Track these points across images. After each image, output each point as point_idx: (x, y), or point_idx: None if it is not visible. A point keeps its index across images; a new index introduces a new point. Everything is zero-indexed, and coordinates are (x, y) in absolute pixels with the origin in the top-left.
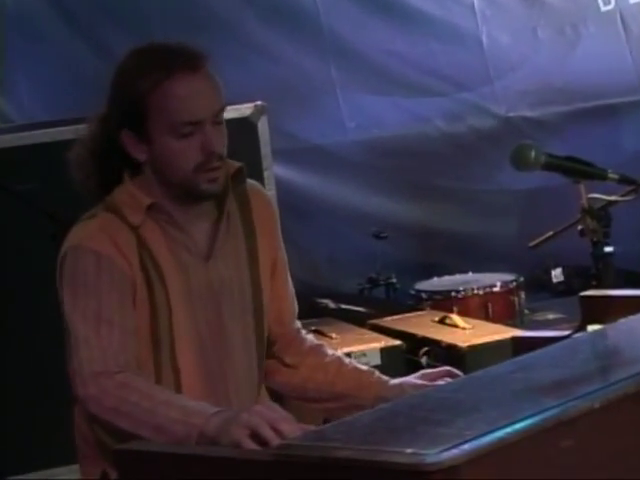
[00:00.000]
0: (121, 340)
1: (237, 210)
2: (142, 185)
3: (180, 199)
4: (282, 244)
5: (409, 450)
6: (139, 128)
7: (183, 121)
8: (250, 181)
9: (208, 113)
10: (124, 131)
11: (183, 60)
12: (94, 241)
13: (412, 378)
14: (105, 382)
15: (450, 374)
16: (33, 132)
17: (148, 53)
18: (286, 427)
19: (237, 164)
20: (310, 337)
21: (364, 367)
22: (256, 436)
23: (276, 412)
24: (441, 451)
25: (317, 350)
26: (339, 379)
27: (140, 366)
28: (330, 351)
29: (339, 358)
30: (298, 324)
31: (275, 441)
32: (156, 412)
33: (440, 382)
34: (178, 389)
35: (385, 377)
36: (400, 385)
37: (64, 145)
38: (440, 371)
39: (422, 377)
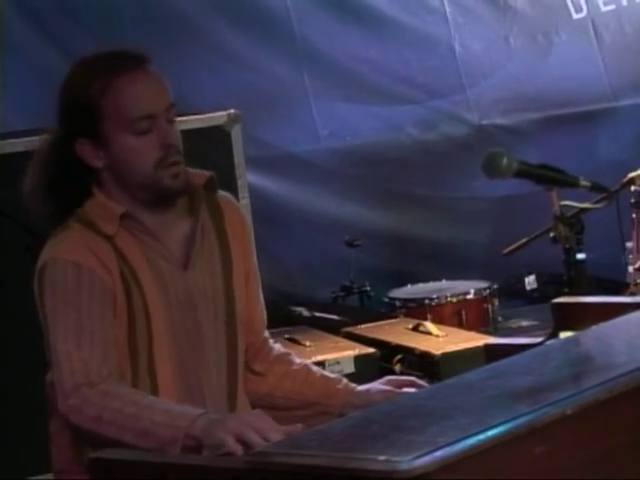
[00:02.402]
0: (102, 351)
1: (210, 220)
2: (109, 195)
3: (147, 204)
4: (254, 255)
5: (382, 457)
6: (94, 133)
7: (138, 116)
8: (222, 192)
9: (161, 107)
10: (79, 141)
11: (128, 60)
12: (73, 253)
13: (378, 384)
14: (87, 392)
15: (414, 384)
16: (7, 141)
17: (91, 60)
18: (273, 436)
19: (208, 173)
20: (278, 346)
21: (331, 375)
22: (242, 441)
23: (264, 421)
24: (414, 458)
25: (284, 358)
26: (307, 387)
27: (121, 376)
28: (297, 359)
29: (306, 366)
30: (266, 333)
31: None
32: (140, 417)
33: (406, 390)
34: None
35: (352, 384)
36: (367, 391)
37: None
38: (405, 380)
39: (388, 383)
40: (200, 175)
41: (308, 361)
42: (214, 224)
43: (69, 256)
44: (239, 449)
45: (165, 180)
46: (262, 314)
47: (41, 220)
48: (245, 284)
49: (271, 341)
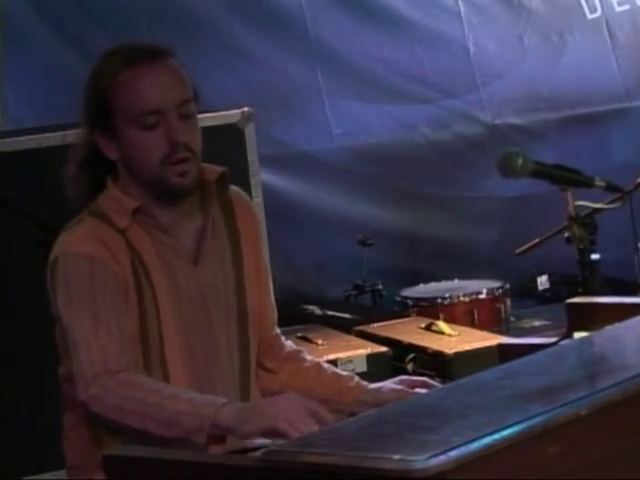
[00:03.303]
0: (119, 341)
1: (221, 215)
2: (125, 189)
3: (160, 199)
4: (266, 251)
5: (396, 456)
6: (108, 125)
7: (145, 111)
8: (234, 188)
9: (171, 104)
10: (96, 132)
11: (144, 53)
12: (86, 246)
13: (390, 383)
14: (107, 381)
15: (426, 385)
16: (19, 138)
17: (113, 52)
18: (303, 426)
19: (220, 169)
20: (289, 343)
21: (343, 372)
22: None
23: (299, 406)
24: (429, 457)
25: (296, 356)
26: (318, 384)
27: (137, 367)
28: (309, 357)
29: (318, 364)
30: (278, 330)
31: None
32: (163, 406)
33: (418, 390)
34: None
35: (364, 382)
36: (379, 390)
37: (51, 151)
38: (417, 380)
39: (400, 383)
40: (213, 170)
41: (320, 359)
42: (225, 220)
43: (82, 249)
44: (294, 433)
45: (171, 178)
46: (273, 311)
47: (76, 205)
48: (256, 281)
49: (282, 338)
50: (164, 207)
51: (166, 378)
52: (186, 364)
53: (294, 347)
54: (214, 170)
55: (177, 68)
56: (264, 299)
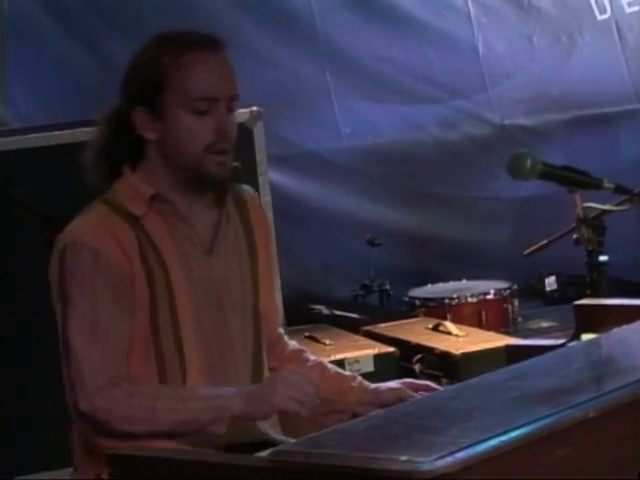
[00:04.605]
0: (118, 349)
1: (235, 210)
2: (143, 177)
3: (184, 187)
4: (274, 251)
5: (404, 457)
6: (154, 103)
7: (200, 96)
8: (246, 187)
9: (225, 93)
10: (137, 109)
11: (205, 39)
12: (93, 236)
13: (392, 383)
14: (112, 393)
15: (429, 389)
16: (30, 136)
17: (169, 35)
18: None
19: (233, 164)
20: (292, 343)
21: (346, 372)
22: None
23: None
24: (436, 459)
25: (299, 355)
26: (321, 384)
27: (141, 362)
28: (312, 356)
29: (321, 363)
30: (281, 330)
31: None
32: (177, 409)
33: (420, 394)
34: (183, 377)
35: (367, 382)
36: (377, 389)
37: (61, 149)
38: (421, 384)
39: (403, 385)
40: None
41: (326, 360)
42: (239, 215)
43: (88, 240)
44: (304, 410)
45: (211, 166)
46: (277, 310)
47: (98, 186)
48: (266, 277)
49: (286, 337)
50: (183, 195)
51: (182, 363)
52: (200, 351)
53: (297, 346)
54: None
55: (230, 63)
56: (269, 297)
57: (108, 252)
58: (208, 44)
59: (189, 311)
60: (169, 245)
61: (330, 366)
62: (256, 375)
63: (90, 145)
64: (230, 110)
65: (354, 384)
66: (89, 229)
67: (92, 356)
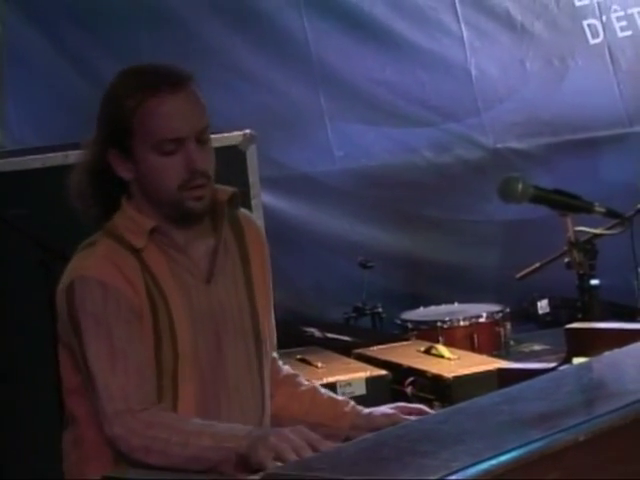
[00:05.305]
0: (138, 373)
1: (232, 236)
2: (140, 208)
3: (174, 220)
4: (270, 275)
5: None
6: (125, 146)
7: (166, 138)
8: (242, 210)
9: (190, 131)
10: (111, 150)
11: (167, 80)
12: (100, 271)
13: (385, 408)
14: (131, 422)
15: (422, 413)
16: (23, 158)
17: (135, 73)
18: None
19: (231, 190)
20: (286, 367)
21: (339, 397)
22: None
23: (301, 436)
24: None
25: (292, 380)
26: (314, 409)
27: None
28: (305, 381)
29: (314, 388)
30: (275, 354)
31: None
32: (188, 444)
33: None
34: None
35: (360, 407)
36: (370, 414)
37: (54, 171)
38: (414, 408)
39: (396, 409)
40: (224, 191)
41: (318, 382)
42: (236, 240)
43: (95, 274)
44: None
45: (189, 202)
46: (273, 334)
47: (89, 222)
48: (264, 302)
49: (280, 362)
50: (178, 227)
51: (175, 396)
52: (196, 390)
53: (291, 371)
54: (225, 191)
55: (197, 95)
56: (266, 322)
57: (116, 285)
58: (171, 83)
59: (188, 344)
60: (169, 278)
61: (323, 391)
62: (259, 404)
63: (76, 170)
64: (203, 141)
65: (347, 409)
66: (95, 264)
67: (109, 383)
